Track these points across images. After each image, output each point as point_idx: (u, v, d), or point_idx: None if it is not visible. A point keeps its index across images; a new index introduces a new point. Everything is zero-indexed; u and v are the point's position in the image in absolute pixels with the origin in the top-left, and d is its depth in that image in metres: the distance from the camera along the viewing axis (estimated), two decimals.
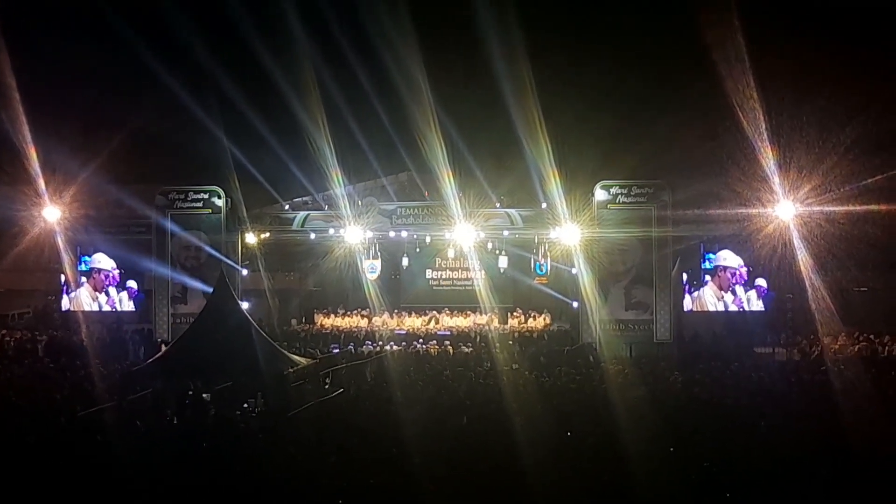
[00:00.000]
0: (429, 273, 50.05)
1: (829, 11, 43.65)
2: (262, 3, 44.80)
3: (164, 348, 35.25)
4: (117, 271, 43.99)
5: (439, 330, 44.46)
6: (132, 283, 44.03)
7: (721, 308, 42.48)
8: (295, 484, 17.49)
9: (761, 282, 42.27)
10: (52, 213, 42.04)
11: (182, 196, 42.55)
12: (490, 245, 44.66)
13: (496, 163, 44.33)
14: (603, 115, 46.39)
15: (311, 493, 17.11)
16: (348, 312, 46.70)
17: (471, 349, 39.93)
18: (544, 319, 46.03)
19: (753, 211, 39.88)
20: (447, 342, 41.49)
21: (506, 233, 43.62)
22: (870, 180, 37.69)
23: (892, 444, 18.97)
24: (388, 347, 40.65)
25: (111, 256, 43.73)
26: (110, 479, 17.46)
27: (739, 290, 42.43)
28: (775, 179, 39.02)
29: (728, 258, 42.37)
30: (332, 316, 46.63)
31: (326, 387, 30.52)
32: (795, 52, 40.32)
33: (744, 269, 42.47)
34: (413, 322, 45.67)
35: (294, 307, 48.43)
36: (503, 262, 45.16)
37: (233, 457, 19.12)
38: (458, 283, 49.75)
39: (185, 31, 43.38)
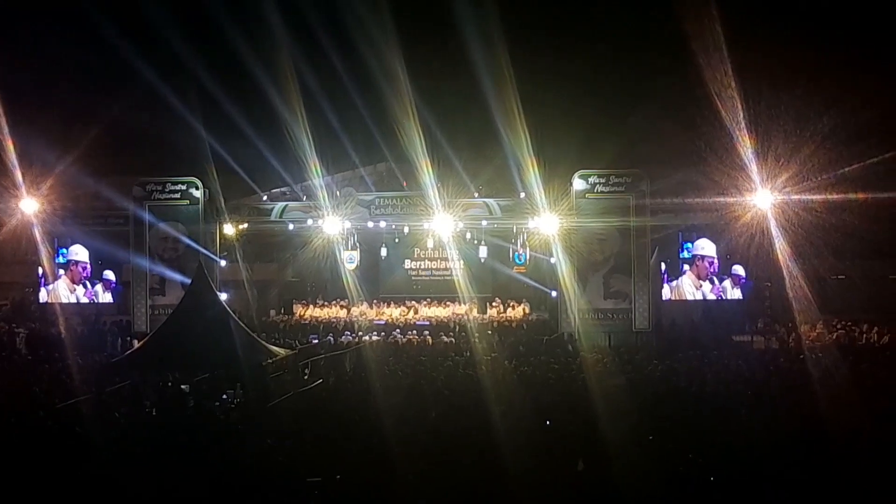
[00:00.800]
0: (407, 263, 50.04)
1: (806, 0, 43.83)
2: None
3: (142, 340, 35.12)
4: (89, 266, 43.89)
5: (418, 320, 44.52)
6: (110, 275, 43.88)
7: (699, 297, 42.62)
8: (274, 474, 17.48)
9: (739, 270, 42.42)
10: (29, 205, 41.85)
11: (160, 187, 42.43)
12: (469, 235, 44.73)
13: (475, 153, 44.32)
14: (581, 104, 46.42)
15: (289, 484, 17.11)
16: (327, 303, 46.72)
17: (450, 339, 40.00)
18: (523, 309, 46.12)
19: (731, 200, 40.00)
20: (426, 332, 41.59)
21: (484, 223, 43.66)
22: (847, 169, 37.81)
23: (869, 431, 19.07)
24: (366, 338, 40.68)
25: (89, 248, 43.57)
26: (89, 471, 17.42)
27: (717, 279, 42.59)
28: (753, 168, 39.11)
29: (706, 247, 42.54)
30: (311, 307, 46.62)
31: (305, 377, 30.56)
32: (773, 42, 40.37)
33: (716, 261, 42.64)
34: (392, 312, 45.71)
35: (273, 298, 48.43)
36: (483, 252, 45.25)
37: (212, 448, 19.09)
38: (437, 273, 49.76)
39: (162, 22, 43.22)
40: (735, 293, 42.58)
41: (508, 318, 45.19)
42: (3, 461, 17.87)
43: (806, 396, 23.90)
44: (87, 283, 43.80)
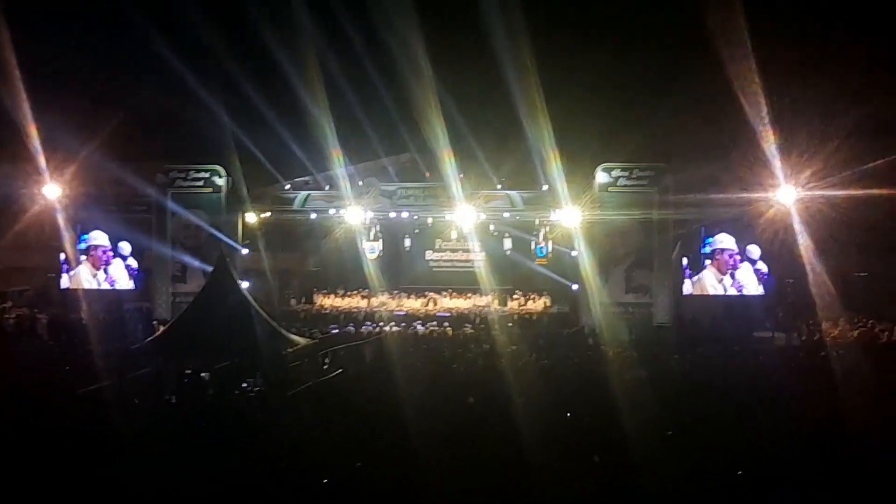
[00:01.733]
0: (429, 255, 49.98)
1: None
2: None
3: (163, 327, 35.17)
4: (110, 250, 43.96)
5: (439, 311, 44.54)
6: (132, 262, 43.93)
7: (721, 292, 42.42)
8: (293, 464, 17.48)
9: (762, 266, 42.22)
10: (52, 191, 42.00)
11: (183, 175, 42.57)
12: (492, 227, 44.72)
13: (497, 144, 44.26)
14: (604, 97, 46.28)
15: (309, 474, 17.10)
16: (348, 293, 46.76)
17: (471, 331, 39.96)
18: (544, 302, 46.10)
19: (755, 195, 39.88)
20: (447, 324, 41.49)
21: (506, 214, 43.65)
22: (871, 164, 37.61)
23: (890, 429, 18.97)
24: (387, 329, 40.66)
25: (111, 234, 43.59)
26: (109, 458, 17.44)
27: (738, 272, 42.37)
28: (776, 163, 38.98)
29: (724, 241, 42.24)
30: (332, 296, 46.70)
31: (325, 367, 30.53)
32: (797, 35, 40.24)
33: (737, 256, 42.43)
34: (413, 303, 45.76)
35: (294, 287, 48.40)
36: (508, 244, 45.31)
37: (231, 436, 19.11)
38: (458, 264, 49.69)
39: (186, 8, 43.24)
40: (757, 289, 42.36)
41: (529, 311, 45.18)
42: (24, 447, 17.91)
43: (827, 394, 23.79)
44: (109, 268, 43.76)
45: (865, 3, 42.98)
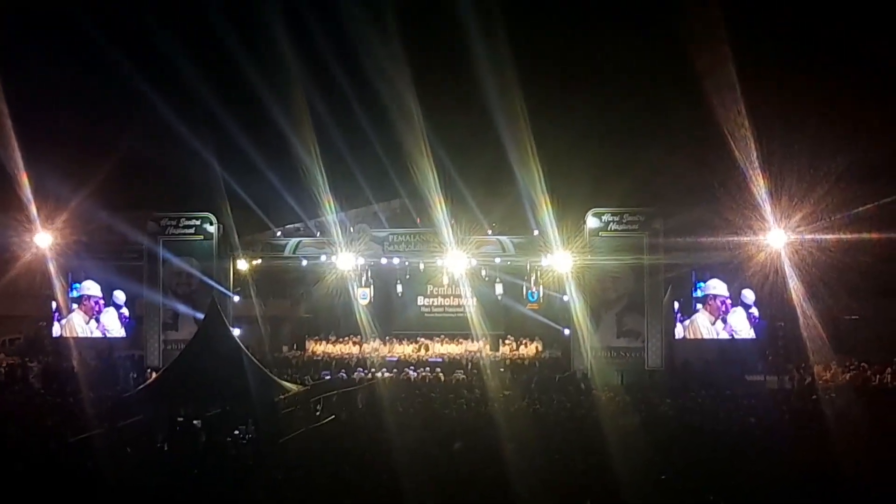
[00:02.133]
0: (420, 300, 49.97)
1: (819, 39, 43.85)
2: (255, 30, 44.86)
3: (154, 375, 35.13)
4: (102, 300, 43.94)
5: (431, 357, 44.47)
6: (124, 310, 43.90)
7: (713, 336, 42.43)
8: None
9: (749, 296, 42.25)
10: (43, 239, 42.01)
11: (174, 222, 42.59)
12: (483, 272, 44.76)
13: (488, 190, 44.40)
14: (594, 142, 46.56)
15: None
16: (340, 339, 46.70)
17: (463, 376, 39.90)
18: (536, 347, 46.05)
19: (745, 239, 39.97)
20: (439, 369, 41.41)
21: (498, 260, 43.68)
22: (861, 208, 37.78)
23: (883, 472, 18.99)
24: (379, 374, 40.56)
25: (103, 282, 43.61)
26: None
27: (730, 316, 42.41)
28: (766, 207, 39.11)
29: (716, 286, 42.38)
30: (324, 343, 46.61)
31: (318, 413, 30.49)
32: (786, 80, 40.49)
33: (729, 301, 42.50)
34: (404, 349, 45.65)
35: (285, 334, 48.31)
36: (499, 289, 45.18)
37: (223, 484, 19.07)
38: (450, 309, 49.67)
39: (177, 56, 43.46)
40: (749, 332, 42.38)
41: (521, 356, 45.11)
42: (16, 495, 17.87)
43: (819, 437, 23.82)
44: (101, 316, 43.75)
45: (853, 48, 43.23)
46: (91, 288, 43.77)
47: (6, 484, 18.81)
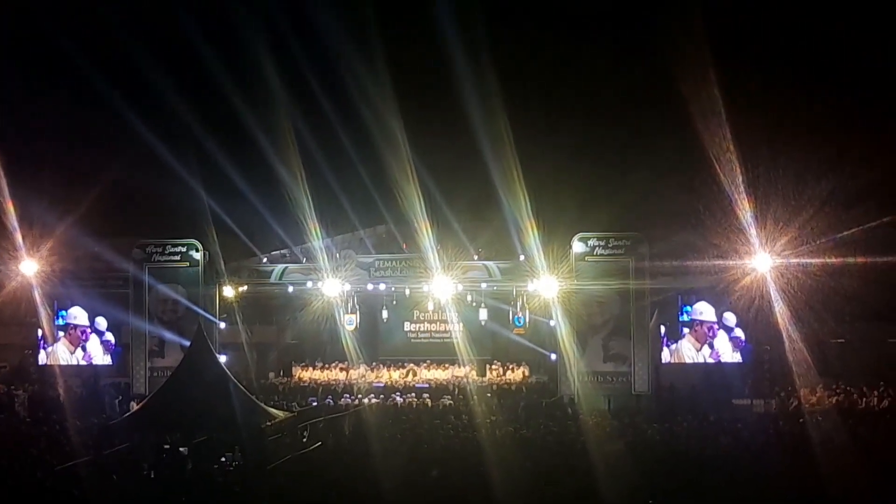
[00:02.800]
0: (407, 326, 49.94)
1: (804, 64, 44.10)
2: (240, 57, 44.96)
3: (140, 402, 35.05)
4: (88, 329, 43.85)
5: (418, 383, 44.40)
6: (109, 337, 43.80)
7: (699, 360, 42.46)
8: None
9: (739, 333, 42.31)
10: (29, 267, 41.91)
11: (159, 249, 42.51)
12: (469, 297, 44.78)
13: (474, 215, 44.53)
14: (580, 167, 46.64)
15: None
16: (326, 365, 46.51)
17: (449, 402, 39.90)
18: (523, 372, 46.00)
19: (730, 263, 40.05)
20: (426, 395, 41.40)
21: (484, 285, 43.65)
22: (846, 233, 37.92)
23: (869, 495, 19.03)
24: (366, 400, 40.52)
25: (88, 310, 43.53)
26: None
27: (716, 341, 42.45)
28: (752, 231, 39.22)
29: (704, 311, 42.41)
30: (310, 369, 46.43)
31: (304, 440, 30.46)
32: (771, 105, 40.69)
33: (716, 326, 42.55)
34: (391, 375, 45.55)
35: (272, 360, 48.21)
36: (483, 314, 45.14)
37: None
38: (437, 335, 49.63)
39: (162, 83, 43.53)
40: (735, 356, 42.41)
41: (508, 381, 45.07)
42: None
43: (806, 461, 23.85)
44: (87, 344, 43.65)
45: (838, 73, 43.48)
46: (78, 316, 43.59)
47: None
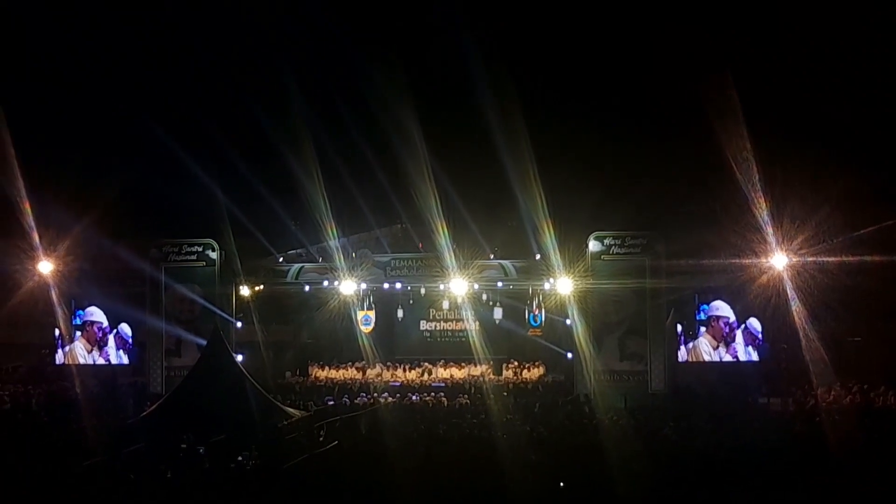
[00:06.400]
0: (423, 324, 50.01)
1: (820, 63, 43.97)
2: (257, 59, 45.07)
3: (157, 402, 35.09)
4: (106, 326, 43.93)
5: (434, 381, 44.40)
6: (126, 336, 43.85)
7: (716, 359, 42.37)
8: None
9: (755, 324, 42.15)
10: (46, 267, 42.05)
11: (176, 249, 42.56)
12: (485, 296, 44.73)
13: (490, 214, 44.43)
14: (596, 165, 46.50)
15: None
16: (342, 364, 46.53)
17: (466, 401, 39.87)
18: (539, 370, 45.98)
19: (747, 261, 39.99)
20: (442, 394, 41.37)
21: (500, 284, 43.64)
22: (863, 231, 37.84)
23: (886, 495, 18.98)
24: (382, 399, 40.52)
25: (105, 309, 43.63)
26: None
27: (734, 340, 42.35)
28: (769, 230, 39.15)
29: (721, 308, 42.35)
30: (327, 368, 46.45)
31: (321, 439, 30.45)
32: (787, 104, 40.58)
33: (733, 323, 42.44)
34: (407, 374, 45.58)
35: (288, 359, 48.17)
36: (498, 313, 45.06)
37: None
38: (453, 334, 49.70)
39: (179, 86, 43.63)
40: (752, 354, 42.33)
41: (524, 380, 45.03)
42: None
43: (823, 460, 23.79)
44: (103, 344, 43.73)
45: (855, 71, 43.30)
46: (96, 314, 43.71)
47: None
